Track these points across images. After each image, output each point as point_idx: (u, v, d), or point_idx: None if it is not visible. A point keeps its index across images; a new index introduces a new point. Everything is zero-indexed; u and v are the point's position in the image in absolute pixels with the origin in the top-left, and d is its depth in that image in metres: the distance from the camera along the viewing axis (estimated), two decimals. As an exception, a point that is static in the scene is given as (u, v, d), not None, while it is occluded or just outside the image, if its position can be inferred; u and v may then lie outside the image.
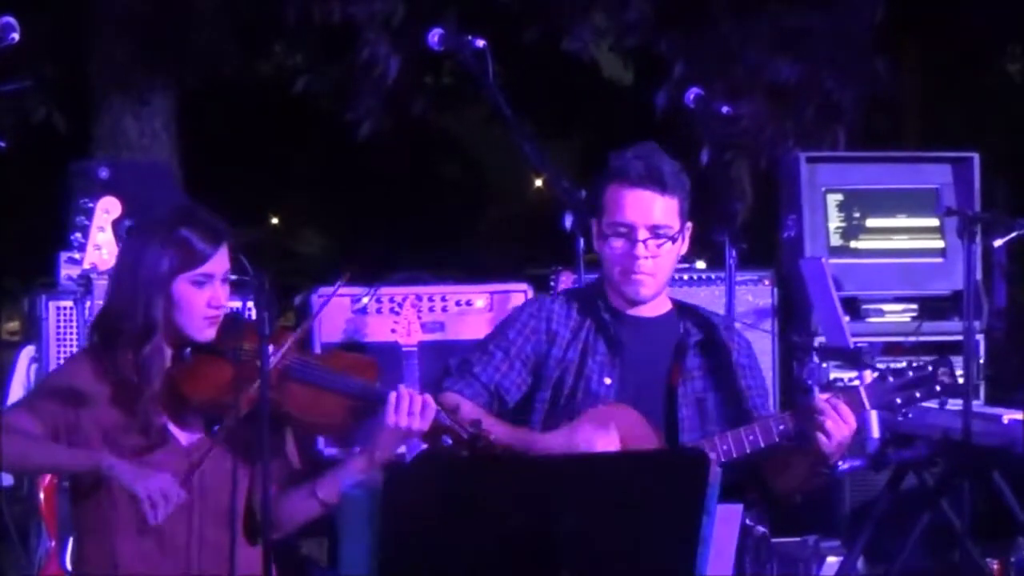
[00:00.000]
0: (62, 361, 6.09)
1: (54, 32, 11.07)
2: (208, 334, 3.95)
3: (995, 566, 6.08)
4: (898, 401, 4.27)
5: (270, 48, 13.36)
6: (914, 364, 4.31)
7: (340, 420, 3.99)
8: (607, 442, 4.15)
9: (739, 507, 3.54)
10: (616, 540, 3.22)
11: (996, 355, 7.16)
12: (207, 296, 3.92)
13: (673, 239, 4.31)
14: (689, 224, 4.39)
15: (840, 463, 4.27)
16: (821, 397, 4.18)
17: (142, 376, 3.91)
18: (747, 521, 4.13)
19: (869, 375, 5.55)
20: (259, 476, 3.89)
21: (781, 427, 4.20)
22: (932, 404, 4.50)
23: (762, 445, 4.19)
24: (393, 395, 3.90)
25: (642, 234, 4.27)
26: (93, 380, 3.95)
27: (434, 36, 5.53)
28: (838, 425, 4.12)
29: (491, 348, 4.40)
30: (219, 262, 3.93)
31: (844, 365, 6.44)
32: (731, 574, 3.57)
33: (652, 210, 4.28)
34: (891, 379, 4.27)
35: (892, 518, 5.97)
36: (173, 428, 3.97)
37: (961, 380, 4.33)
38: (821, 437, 4.12)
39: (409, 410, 3.88)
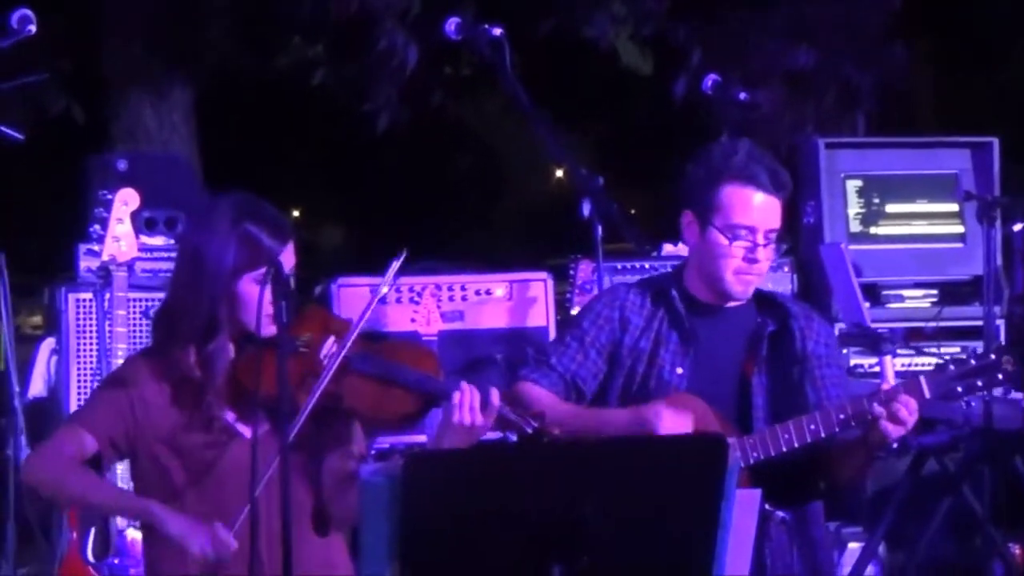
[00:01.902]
0: (81, 353, 6.11)
1: (72, 25, 11.09)
2: (271, 329, 3.75)
3: (1017, 551, 6.07)
4: (959, 390, 4.24)
5: (287, 41, 13.37)
6: (977, 352, 4.29)
7: (404, 414, 3.90)
8: (677, 420, 4.16)
9: (758, 492, 3.53)
10: (635, 526, 3.22)
11: (1017, 340, 7.14)
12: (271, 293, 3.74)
13: (777, 239, 4.36)
14: None
15: (894, 445, 4.28)
16: (884, 387, 4.17)
17: (206, 372, 3.82)
18: (767, 506, 4.12)
19: (889, 362, 5.56)
20: (326, 469, 3.83)
21: (841, 416, 4.19)
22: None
23: (823, 435, 4.18)
24: (457, 394, 3.85)
25: (761, 239, 4.30)
26: (151, 382, 3.85)
27: (451, 25, 5.54)
28: (901, 414, 4.11)
29: (567, 339, 4.44)
30: (285, 259, 3.79)
31: (865, 350, 6.47)
32: (751, 560, 3.56)
33: (774, 216, 4.33)
34: (952, 367, 4.24)
35: (913, 504, 5.96)
36: (238, 423, 3.87)
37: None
38: (885, 427, 4.11)
39: (471, 406, 3.85)
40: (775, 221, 4.32)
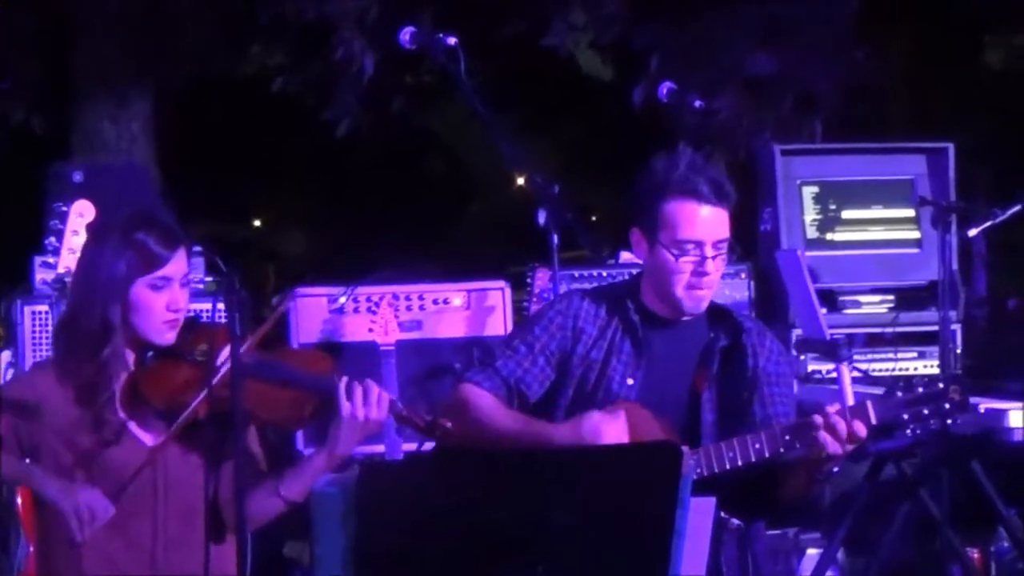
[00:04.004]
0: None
1: (33, 35, 11.05)
2: (168, 338, 3.97)
3: (975, 555, 6.09)
4: (905, 417, 4.21)
5: (249, 48, 13.35)
6: (925, 379, 4.26)
7: (295, 415, 3.98)
8: (614, 429, 4.15)
9: (712, 500, 3.52)
10: (591, 534, 3.22)
11: (977, 344, 7.16)
12: (165, 300, 3.94)
13: (728, 249, 4.34)
14: None
15: (835, 469, 4.25)
16: (831, 410, 4.13)
17: (102, 378, 3.95)
18: (722, 514, 4.12)
19: (846, 369, 5.54)
20: (224, 475, 3.95)
21: (786, 437, 4.16)
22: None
23: (767, 455, 4.17)
24: (342, 384, 3.90)
25: (709, 251, 4.27)
26: (55, 385, 3.99)
27: (405, 35, 5.54)
28: (839, 438, 4.08)
29: (516, 343, 4.42)
30: (177, 265, 3.96)
31: (821, 357, 6.48)
32: (706, 567, 3.57)
33: (721, 227, 4.30)
34: (899, 394, 4.21)
35: (872, 509, 5.97)
36: (137, 430, 3.99)
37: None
38: (820, 449, 4.09)
39: (364, 400, 3.89)
40: (722, 231, 4.29)
